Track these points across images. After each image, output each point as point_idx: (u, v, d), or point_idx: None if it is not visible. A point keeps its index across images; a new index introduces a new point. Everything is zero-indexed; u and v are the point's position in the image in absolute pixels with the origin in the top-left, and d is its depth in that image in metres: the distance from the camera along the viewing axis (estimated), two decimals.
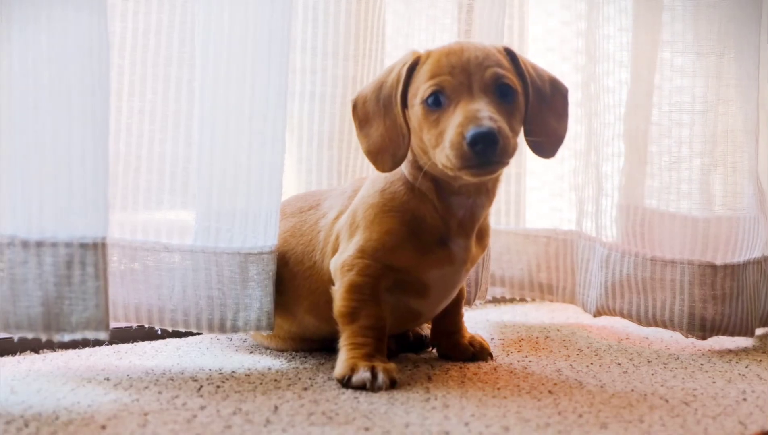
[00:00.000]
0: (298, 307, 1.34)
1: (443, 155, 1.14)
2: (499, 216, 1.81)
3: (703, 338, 1.53)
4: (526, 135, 1.24)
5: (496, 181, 1.26)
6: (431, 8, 1.66)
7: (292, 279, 1.33)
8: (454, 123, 1.13)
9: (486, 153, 1.11)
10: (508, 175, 1.81)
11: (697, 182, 1.56)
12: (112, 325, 1.40)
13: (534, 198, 1.89)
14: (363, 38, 1.56)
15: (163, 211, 1.34)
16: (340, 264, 1.25)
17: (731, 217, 1.56)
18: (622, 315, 1.59)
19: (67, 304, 1.12)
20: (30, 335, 1.12)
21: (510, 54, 1.23)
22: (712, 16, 1.54)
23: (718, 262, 1.52)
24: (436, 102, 1.17)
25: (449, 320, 1.38)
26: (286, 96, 1.31)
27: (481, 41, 1.41)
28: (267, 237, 1.31)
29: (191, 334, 1.49)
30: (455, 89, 1.16)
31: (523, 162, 1.83)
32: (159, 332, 1.46)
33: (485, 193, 1.25)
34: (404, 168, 1.25)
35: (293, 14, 1.44)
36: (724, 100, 1.55)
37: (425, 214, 1.24)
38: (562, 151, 1.77)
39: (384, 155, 1.23)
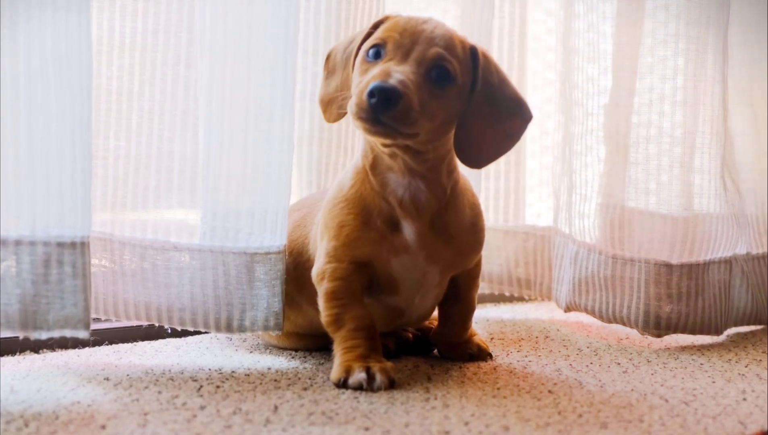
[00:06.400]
0: (301, 297, 1.34)
1: (351, 102, 1.14)
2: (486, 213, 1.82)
3: (659, 336, 1.56)
4: (455, 136, 1.22)
5: (434, 171, 1.22)
6: (431, 7, 1.66)
7: (295, 269, 1.33)
8: (370, 74, 1.14)
9: (377, 108, 1.10)
10: (488, 171, 1.82)
11: (662, 182, 1.58)
12: (122, 323, 1.42)
13: (533, 197, 1.91)
14: (346, 37, 1.56)
15: (173, 210, 1.35)
16: (315, 274, 1.26)
17: (688, 217, 1.58)
18: (586, 311, 1.62)
19: (44, 302, 1.12)
20: (7, 333, 1.13)
21: (473, 53, 1.22)
22: (668, 18, 1.56)
23: (674, 261, 1.54)
24: (376, 54, 1.17)
25: (453, 330, 1.37)
26: (294, 95, 1.31)
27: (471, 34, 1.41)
28: (274, 237, 1.31)
29: (191, 333, 1.49)
30: (395, 49, 1.16)
31: (522, 161, 1.84)
32: (159, 330, 1.46)
33: (420, 176, 1.22)
34: (360, 150, 1.26)
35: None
36: (682, 102, 1.56)
37: (367, 195, 1.23)
38: (555, 150, 1.79)
39: (332, 105, 1.26)
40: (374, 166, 1.23)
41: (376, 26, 1.22)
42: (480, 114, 1.21)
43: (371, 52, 1.18)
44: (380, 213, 1.23)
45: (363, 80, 1.14)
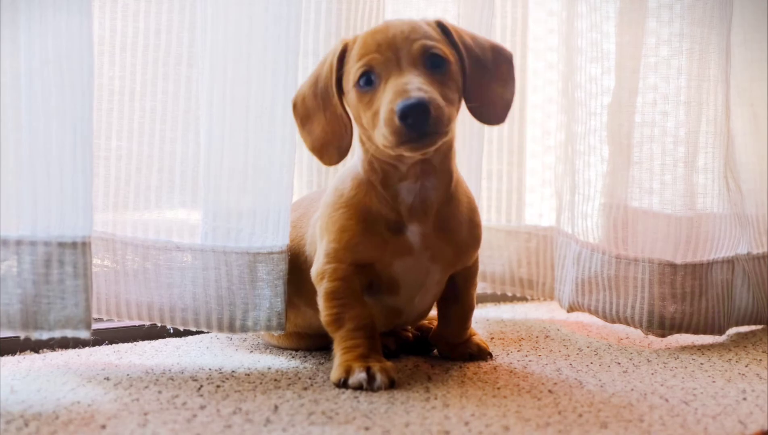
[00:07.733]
0: (299, 298, 1.34)
1: (380, 135, 1.13)
2: (484, 213, 1.82)
3: (663, 336, 1.56)
4: (466, 103, 1.22)
5: (444, 159, 1.23)
6: (430, 7, 1.66)
7: (293, 270, 1.33)
8: (386, 100, 1.12)
9: (418, 125, 1.09)
10: (490, 172, 1.82)
11: (665, 182, 1.58)
12: (122, 323, 1.43)
13: (534, 197, 1.91)
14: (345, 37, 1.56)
15: (174, 210, 1.35)
16: (315, 274, 1.25)
17: (692, 217, 1.58)
18: (590, 311, 1.62)
19: (45, 302, 1.13)
20: (8, 333, 1.13)
21: (441, 26, 1.22)
22: (672, 17, 1.56)
23: (678, 260, 1.54)
24: (368, 82, 1.16)
25: (453, 330, 1.37)
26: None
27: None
28: (276, 237, 1.31)
29: (191, 333, 1.49)
30: (384, 66, 1.15)
31: (523, 161, 1.84)
32: (159, 330, 1.46)
33: (433, 173, 1.22)
34: (358, 161, 1.25)
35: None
36: (685, 102, 1.56)
37: (371, 205, 1.23)
38: (558, 150, 1.79)
39: (328, 148, 1.23)
40: (385, 180, 1.22)
41: (341, 58, 1.21)
42: (478, 76, 1.22)
43: (362, 81, 1.16)
44: (383, 219, 1.23)
45: (380, 108, 1.12)
